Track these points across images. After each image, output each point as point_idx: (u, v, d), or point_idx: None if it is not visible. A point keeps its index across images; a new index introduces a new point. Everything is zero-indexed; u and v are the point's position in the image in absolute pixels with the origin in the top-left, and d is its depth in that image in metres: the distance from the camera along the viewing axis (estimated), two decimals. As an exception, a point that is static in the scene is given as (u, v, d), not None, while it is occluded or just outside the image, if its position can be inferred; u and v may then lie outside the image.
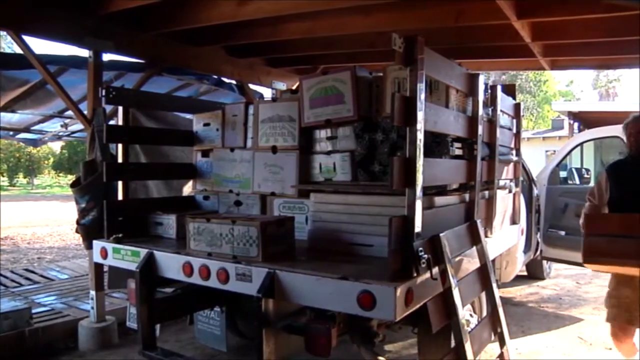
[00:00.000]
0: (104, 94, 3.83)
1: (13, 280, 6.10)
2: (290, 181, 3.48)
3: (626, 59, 5.31)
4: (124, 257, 3.39)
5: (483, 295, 3.34)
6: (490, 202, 3.63)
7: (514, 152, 4.35)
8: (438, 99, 3.02)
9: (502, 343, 3.26)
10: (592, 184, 8.77)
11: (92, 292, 4.34)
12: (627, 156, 3.32)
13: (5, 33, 4.01)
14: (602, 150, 18.93)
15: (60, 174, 35.04)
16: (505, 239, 4.09)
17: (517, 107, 4.32)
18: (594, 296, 6.12)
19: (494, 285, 3.19)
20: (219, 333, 3.62)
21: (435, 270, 2.51)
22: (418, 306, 2.48)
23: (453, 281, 2.59)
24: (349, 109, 3.21)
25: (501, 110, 3.72)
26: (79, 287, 5.73)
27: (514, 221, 4.38)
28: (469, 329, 2.87)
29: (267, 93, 6.71)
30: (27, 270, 6.81)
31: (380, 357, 3.21)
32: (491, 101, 3.63)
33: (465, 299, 2.81)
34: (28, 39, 4.11)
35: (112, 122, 4.49)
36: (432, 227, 2.63)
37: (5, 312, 4.21)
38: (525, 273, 6.65)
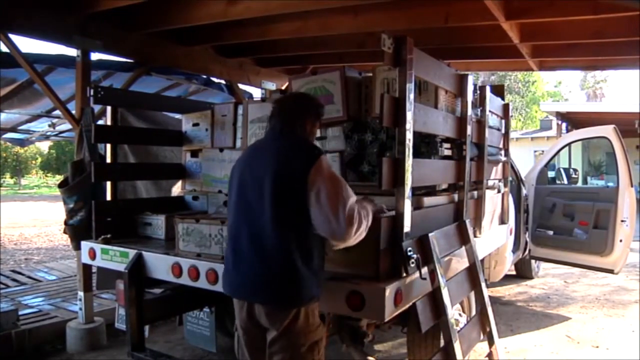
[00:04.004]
0: (92, 93, 3.81)
1: (0, 282, 6.04)
2: (279, 181, 3.47)
3: (613, 60, 5.37)
4: (112, 257, 3.37)
5: (472, 295, 3.35)
6: (479, 202, 3.65)
7: (502, 152, 4.38)
8: (427, 100, 3.04)
9: (491, 342, 3.28)
10: (580, 184, 8.88)
11: (81, 293, 4.30)
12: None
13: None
14: (589, 150, 19.20)
15: (48, 174, 34.67)
16: (494, 238, 4.11)
17: (505, 107, 4.35)
18: (581, 295, 6.19)
19: (483, 284, 3.21)
20: (209, 334, 3.60)
21: (424, 270, 2.52)
22: (407, 306, 2.49)
23: (442, 281, 2.60)
24: (338, 109, 3.21)
25: (490, 111, 3.74)
26: (67, 288, 5.67)
27: (502, 221, 4.40)
28: (458, 329, 2.88)
29: (256, 93, 6.71)
30: (14, 271, 6.73)
31: (369, 357, 3.22)
32: (480, 102, 3.65)
33: (454, 299, 2.82)
34: (15, 38, 4.08)
35: (100, 122, 4.46)
36: (421, 227, 2.64)
37: (-8, 314, 4.16)
38: (514, 272, 6.70)
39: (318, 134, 3.39)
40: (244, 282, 2.23)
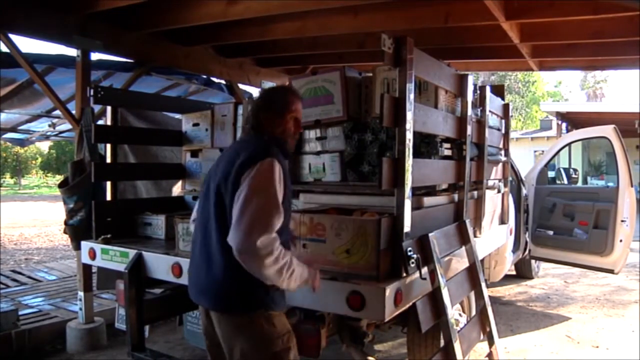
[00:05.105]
0: (92, 93, 3.82)
1: (0, 282, 6.04)
2: (279, 181, 3.47)
3: (613, 60, 5.37)
4: (112, 257, 3.37)
5: (472, 295, 3.35)
6: (479, 202, 3.65)
7: (502, 152, 4.38)
8: (427, 100, 3.04)
9: (491, 342, 3.28)
10: (580, 184, 8.87)
11: (81, 293, 4.30)
12: None
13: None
14: (589, 150, 19.21)
15: (48, 174, 34.68)
16: (494, 238, 4.11)
17: (505, 107, 4.35)
18: (581, 295, 6.19)
19: (483, 284, 3.21)
20: (209, 334, 3.60)
21: (424, 270, 2.52)
22: (407, 306, 2.49)
23: (442, 281, 2.60)
24: (338, 109, 3.21)
25: (490, 111, 3.74)
26: (67, 288, 5.67)
27: (502, 221, 4.40)
28: (458, 328, 2.88)
29: (256, 93, 6.70)
30: (14, 271, 6.72)
31: (369, 357, 3.21)
32: (480, 102, 3.65)
33: (454, 299, 2.82)
34: (15, 38, 4.08)
35: (100, 122, 4.46)
36: (421, 227, 2.64)
37: (-8, 314, 4.16)
38: (514, 272, 6.70)
39: (318, 133, 3.41)
40: (195, 285, 2.19)
